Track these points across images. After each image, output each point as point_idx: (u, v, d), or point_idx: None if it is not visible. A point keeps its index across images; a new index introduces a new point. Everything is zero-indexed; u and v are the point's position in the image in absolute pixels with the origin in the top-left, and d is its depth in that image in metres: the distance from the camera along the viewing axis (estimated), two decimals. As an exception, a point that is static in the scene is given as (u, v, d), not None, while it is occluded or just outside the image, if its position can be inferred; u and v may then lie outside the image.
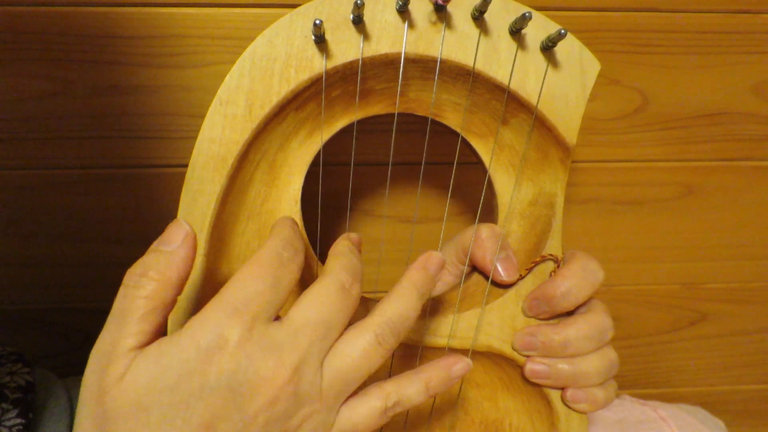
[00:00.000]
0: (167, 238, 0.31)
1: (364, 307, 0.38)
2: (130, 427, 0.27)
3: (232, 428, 0.28)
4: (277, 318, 0.30)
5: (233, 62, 0.36)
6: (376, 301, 0.34)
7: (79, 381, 0.50)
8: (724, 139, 0.61)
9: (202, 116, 0.36)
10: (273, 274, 0.30)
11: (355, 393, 0.32)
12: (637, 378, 0.76)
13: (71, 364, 0.63)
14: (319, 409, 0.30)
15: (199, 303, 0.36)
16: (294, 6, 0.35)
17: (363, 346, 0.31)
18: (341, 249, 0.34)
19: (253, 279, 0.29)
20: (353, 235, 0.37)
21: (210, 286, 0.37)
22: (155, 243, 0.31)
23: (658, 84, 0.57)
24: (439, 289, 0.45)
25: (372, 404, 0.32)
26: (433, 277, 0.35)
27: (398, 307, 0.33)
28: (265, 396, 0.28)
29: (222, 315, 0.29)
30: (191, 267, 0.31)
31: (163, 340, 0.29)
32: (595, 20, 0.53)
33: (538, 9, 0.37)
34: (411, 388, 0.34)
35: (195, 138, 0.36)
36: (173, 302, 0.30)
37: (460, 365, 0.36)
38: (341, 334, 0.32)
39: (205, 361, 0.28)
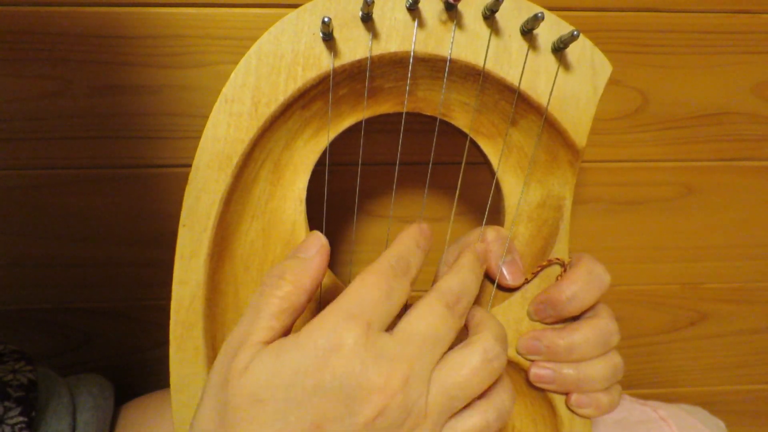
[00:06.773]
0: (305, 246, 0.33)
1: None
2: (247, 418, 0.28)
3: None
4: (388, 329, 0.31)
5: (234, 62, 0.35)
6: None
7: (80, 380, 0.50)
8: (724, 139, 0.61)
9: (203, 116, 0.36)
10: (387, 283, 0.30)
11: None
12: (637, 378, 0.76)
13: (71, 364, 0.63)
14: (425, 425, 0.30)
15: (201, 302, 0.36)
16: (295, 6, 0.35)
17: (472, 363, 0.31)
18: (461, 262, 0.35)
19: (369, 287, 0.30)
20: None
21: (213, 285, 0.37)
22: (294, 250, 0.33)
23: (658, 84, 0.57)
24: None
25: (472, 420, 0.32)
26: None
27: (496, 323, 0.34)
28: (376, 404, 0.29)
29: (339, 319, 0.29)
30: (323, 276, 0.32)
31: (284, 339, 0.30)
32: (595, 20, 0.53)
33: (538, 9, 0.37)
34: (504, 395, 0.33)
35: (196, 138, 0.36)
36: (304, 307, 0.32)
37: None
38: (448, 350, 0.32)
39: (321, 361, 0.28)
